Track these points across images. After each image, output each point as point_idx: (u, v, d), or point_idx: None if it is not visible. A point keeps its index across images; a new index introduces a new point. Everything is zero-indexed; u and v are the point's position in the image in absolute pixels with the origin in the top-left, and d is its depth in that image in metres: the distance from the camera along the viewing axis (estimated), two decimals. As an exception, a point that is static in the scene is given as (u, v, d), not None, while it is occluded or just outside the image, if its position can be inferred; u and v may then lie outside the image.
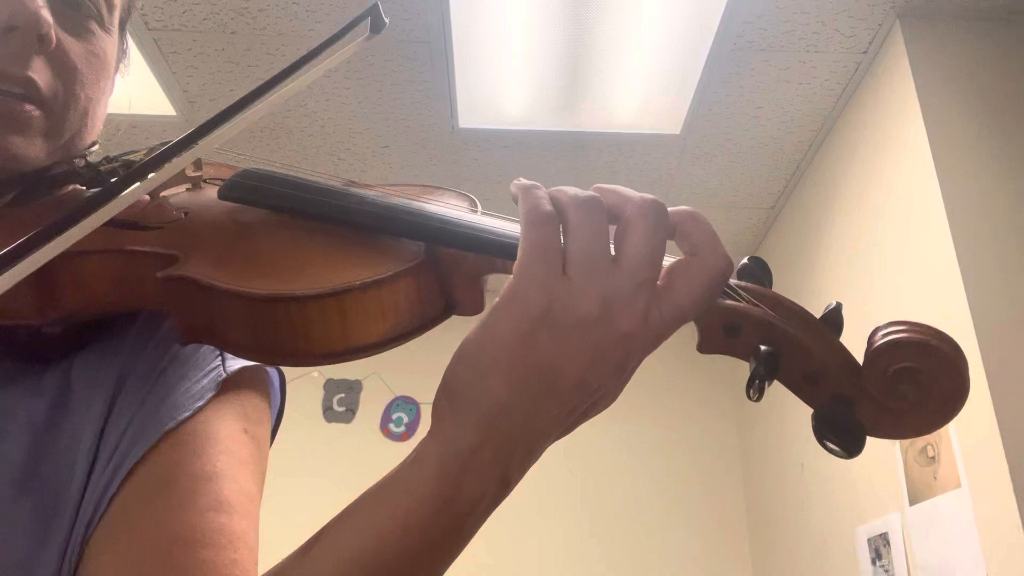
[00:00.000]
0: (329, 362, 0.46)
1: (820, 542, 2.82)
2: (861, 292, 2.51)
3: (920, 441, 2.13)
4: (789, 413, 3.09)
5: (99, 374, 0.53)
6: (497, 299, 0.42)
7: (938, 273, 2.08)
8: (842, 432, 0.42)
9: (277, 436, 0.65)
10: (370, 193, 0.54)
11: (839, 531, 2.65)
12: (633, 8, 2.28)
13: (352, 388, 3.70)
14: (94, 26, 0.60)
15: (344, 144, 2.86)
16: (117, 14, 0.63)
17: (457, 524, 0.42)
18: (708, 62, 2.45)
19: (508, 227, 0.48)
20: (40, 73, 0.55)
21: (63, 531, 0.48)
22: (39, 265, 0.40)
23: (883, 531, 2.34)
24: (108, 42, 0.62)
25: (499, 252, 0.46)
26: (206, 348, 0.56)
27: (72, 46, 0.58)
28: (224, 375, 0.55)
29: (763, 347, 0.43)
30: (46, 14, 0.54)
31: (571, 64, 2.50)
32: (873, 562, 2.40)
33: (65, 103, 0.57)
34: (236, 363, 0.57)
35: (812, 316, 0.45)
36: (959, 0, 2.25)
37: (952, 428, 1.98)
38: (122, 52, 0.67)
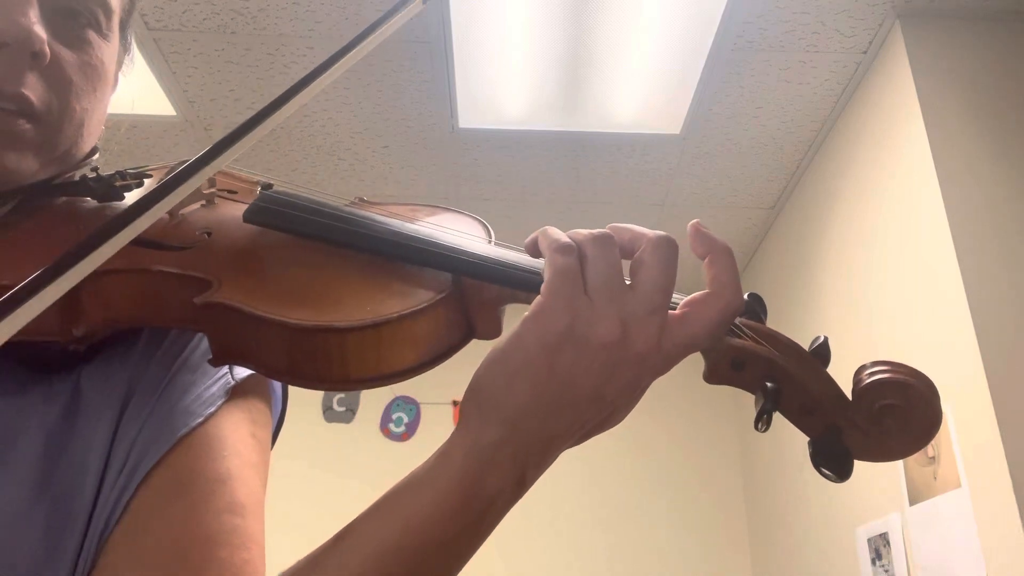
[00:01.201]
0: (360, 388, 0.49)
1: (820, 542, 2.82)
2: (861, 291, 2.51)
3: (920, 441, 2.14)
4: (789, 413, 3.08)
5: (109, 381, 0.54)
6: (527, 313, 0.45)
7: (938, 273, 2.08)
8: (835, 459, 0.48)
9: (277, 437, 0.66)
10: (395, 221, 0.55)
11: (839, 531, 2.65)
12: (633, 8, 2.28)
13: (352, 388, 3.70)
14: (91, 35, 0.59)
15: (344, 144, 2.86)
16: (116, 18, 0.62)
17: (477, 517, 0.45)
18: (708, 62, 2.45)
19: (526, 260, 0.52)
20: (33, 89, 0.55)
21: (77, 535, 0.48)
22: (72, 284, 0.40)
23: (883, 531, 2.34)
24: (106, 49, 0.61)
25: (520, 285, 0.50)
26: None
27: (67, 58, 0.57)
28: (233, 382, 0.56)
29: (768, 384, 0.48)
30: (39, 30, 0.54)
31: (571, 64, 2.50)
32: (873, 562, 2.40)
33: (60, 116, 0.57)
34: (243, 370, 0.57)
35: (805, 351, 0.50)
36: (959, 0, 2.25)
37: (952, 428, 1.99)
38: (124, 52, 0.67)
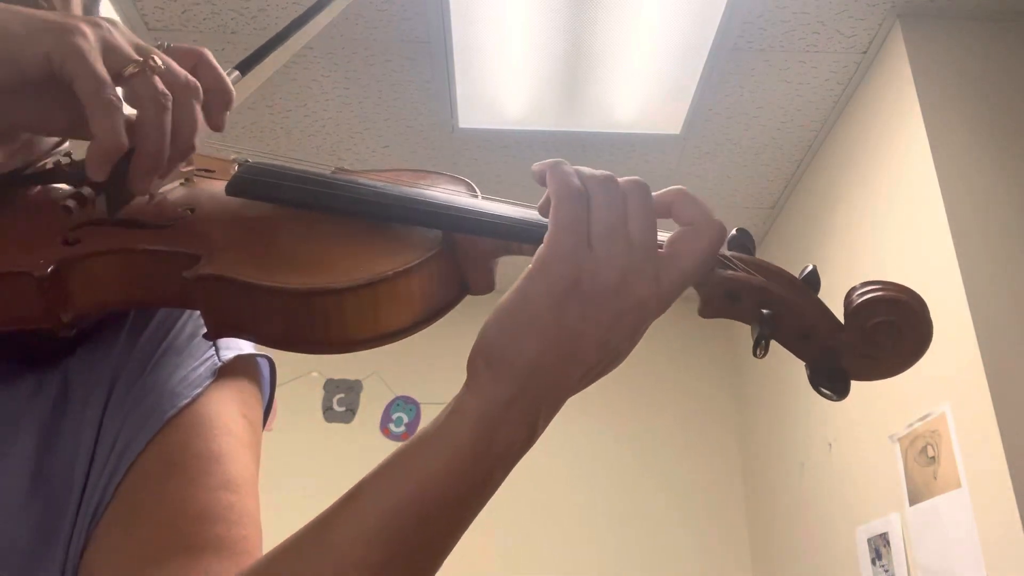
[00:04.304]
0: (360, 348, 0.49)
1: (820, 542, 2.82)
2: (861, 292, 2.50)
3: (920, 441, 2.14)
4: (789, 414, 3.09)
5: (95, 369, 0.54)
6: (529, 267, 0.45)
7: (938, 272, 2.08)
8: (832, 379, 0.49)
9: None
10: (380, 183, 0.55)
11: (839, 531, 2.65)
12: (633, 8, 2.28)
13: (352, 388, 3.70)
14: None
15: (344, 144, 2.86)
16: (76, 0, 0.60)
17: (490, 471, 0.45)
18: (708, 62, 2.45)
19: (514, 211, 0.52)
20: None
21: (68, 523, 0.49)
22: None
23: (883, 531, 2.34)
24: None
25: (512, 236, 0.51)
26: (199, 339, 0.58)
27: None
28: (219, 363, 0.56)
29: (764, 311, 0.49)
30: None
31: (571, 64, 2.50)
32: (873, 562, 2.40)
33: None
34: (230, 352, 0.58)
35: (796, 278, 0.51)
36: (959, 0, 2.25)
37: (952, 428, 1.99)
38: None
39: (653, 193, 0.49)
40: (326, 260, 0.50)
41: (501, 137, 2.83)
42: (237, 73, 0.53)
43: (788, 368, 2.92)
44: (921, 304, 0.48)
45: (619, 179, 0.48)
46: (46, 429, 0.51)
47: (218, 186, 0.57)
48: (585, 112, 2.70)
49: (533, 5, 2.28)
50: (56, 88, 0.44)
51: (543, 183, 0.48)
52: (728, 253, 0.51)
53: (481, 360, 0.45)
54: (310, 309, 0.47)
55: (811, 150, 2.87)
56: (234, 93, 0.50)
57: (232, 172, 0.59)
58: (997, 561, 1.82)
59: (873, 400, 2.33)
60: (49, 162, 0.59)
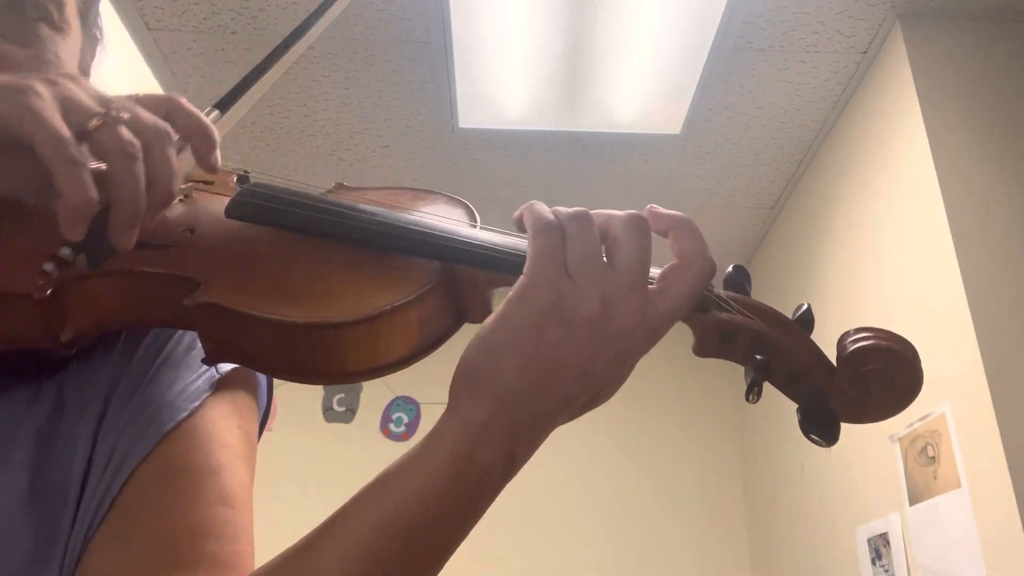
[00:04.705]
0: (358, 380, 0.49)
1: (820, 542, 2.82)
2: (862, 291, 2.51)
3: (920, 441, 2.14)
4: (788, 414, 3.08)
5: (91, 381, 0.54)
6: (510, 294, 0.46)
7: (938, 272, 2.08)
8: (823, 426, 0.50)
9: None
10: (382, 210, 0.55)
11: (839, 531, 2.65)
12: (633, 8, 2.28)
13: (352, 388, 3.70)
14: (43, 30, 0.57)
15: (344, 144, 2.86)
16: (71, 8, 0.60)
17: (469, 495, 0.45)
18: (708, 62, 2.45)
19: (514, 243, 0.52)
20: None
21: (63, 535, 0.48)
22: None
23: (883, 531, 2.34)
24: (62, 43, 0.59)
25: (510, 269, 0.50)
26: (197, 349, 0.57)
27: (15, 55, 0.55)
28: (217, 375, 0.56)
29: (757, 356, 0.49)
30: None
31: (571, 64, 2.50)
32: (873, 562, 2.40)
33: None
34: (227, 364, 0.57)
35: (790, 320, 0.51)
36: (959, 0, 2.25)
37: (952, 428, 1.99)
38: (91, 42, 0.65)
39: (662, 210, 0.49)
40: (326, 292, 0.50)
41: (501, 137, 2.83)
42: (216, 112, 0.52)
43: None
44: (913, 354, 0.49)
45: (619, 213, 0.48)
46: (43, 438, 0.51)
47: (217, 203, 0.57)
48: (585, 112, 2.70)
49: (533, 5, 2.28)
50: (20, 151, 0.43)
51: (521, 227, 0.49)
52: (723, 293, 0.51)
53: (461, 382, 0.46)
54: (309, 342, 0.48)
55: (811, 150, 2.87)
56: (215, 131, 0.49)
57: (231, 184, 0.59)
58: (997, 561, 1.82)
59: (873, 400, 2.33)
60: None
